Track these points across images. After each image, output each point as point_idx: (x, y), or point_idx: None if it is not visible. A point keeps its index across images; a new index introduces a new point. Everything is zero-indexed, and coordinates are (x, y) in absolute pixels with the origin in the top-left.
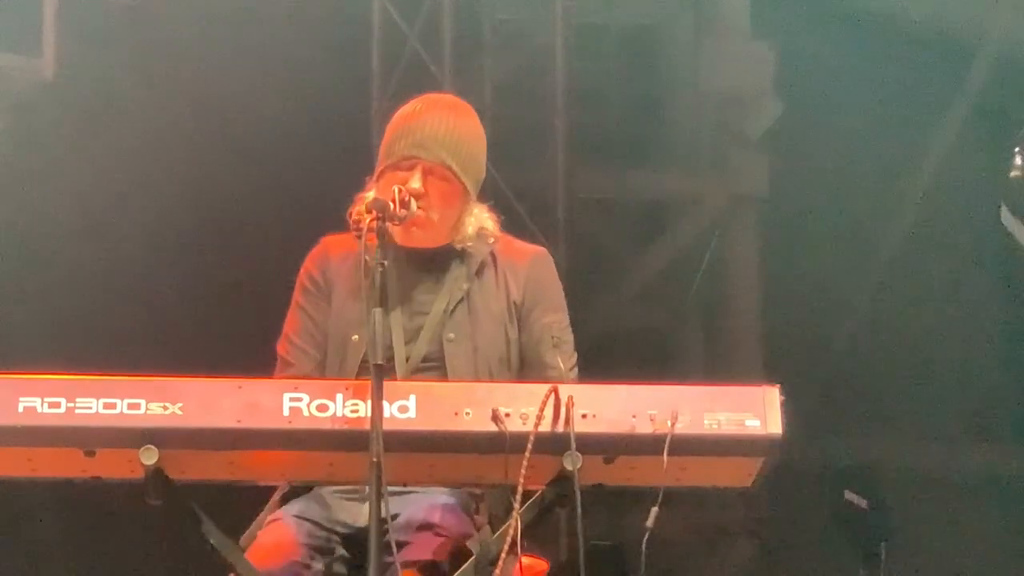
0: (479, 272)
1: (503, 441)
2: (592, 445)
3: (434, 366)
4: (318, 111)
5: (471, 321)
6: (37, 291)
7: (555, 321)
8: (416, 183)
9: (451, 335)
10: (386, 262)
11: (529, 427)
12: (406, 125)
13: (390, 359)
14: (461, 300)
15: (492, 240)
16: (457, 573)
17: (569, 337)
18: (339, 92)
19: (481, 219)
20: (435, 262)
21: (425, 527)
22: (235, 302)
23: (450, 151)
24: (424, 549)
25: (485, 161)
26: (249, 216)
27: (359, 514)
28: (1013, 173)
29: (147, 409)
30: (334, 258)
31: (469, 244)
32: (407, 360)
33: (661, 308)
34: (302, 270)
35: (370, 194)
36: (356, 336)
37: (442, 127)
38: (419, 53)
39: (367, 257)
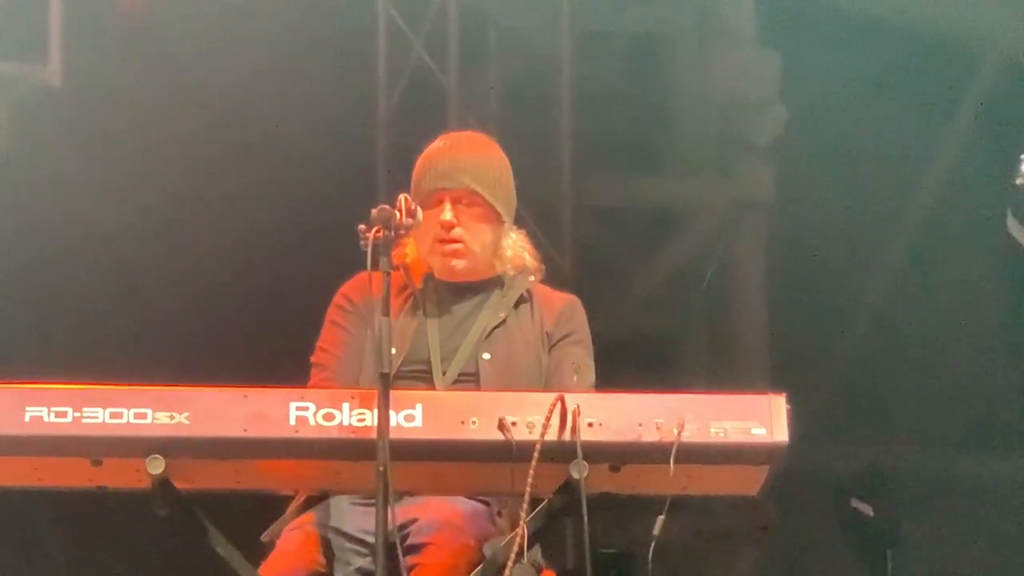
0: (517, 304)
1: (509, 450)
2: (598, 454)
3: (470, 381)
4: (324, 119)
5: (507, 345)
6: (42, 299)
7: (579, 352)
8: (447, 215)
9: (487, 355)
10: (390, 271)
11: (535, 436)
12: (428, 162)
13: (428, 372)
14: (499, 325)
15: (532, 278)
16: None
17: (590, 374)
18: (345, 99)
19: (520, 245)
20: (476, 289)
21: (446, 526)
22: (242, 311)
23: (473, 176)
24: (444, 549)
25: (513, 189)
26: (255, 224)
27: None
28: (1019, 180)
29: (154, 418)
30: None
31: (510, 271)
32: (443, 375)
33: (667, 315)
34: (338, 294)
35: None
36: (395, 349)
37: (462, 156)
38: (425, 60)
39: (387, 269)
